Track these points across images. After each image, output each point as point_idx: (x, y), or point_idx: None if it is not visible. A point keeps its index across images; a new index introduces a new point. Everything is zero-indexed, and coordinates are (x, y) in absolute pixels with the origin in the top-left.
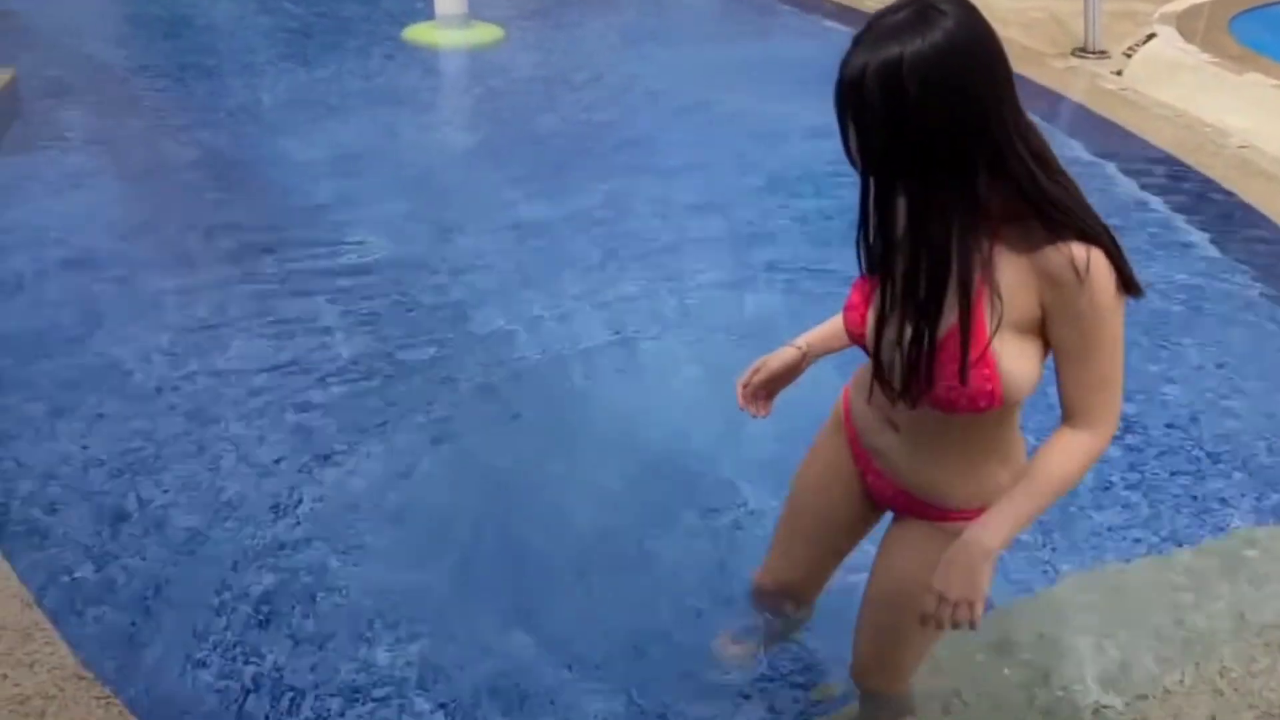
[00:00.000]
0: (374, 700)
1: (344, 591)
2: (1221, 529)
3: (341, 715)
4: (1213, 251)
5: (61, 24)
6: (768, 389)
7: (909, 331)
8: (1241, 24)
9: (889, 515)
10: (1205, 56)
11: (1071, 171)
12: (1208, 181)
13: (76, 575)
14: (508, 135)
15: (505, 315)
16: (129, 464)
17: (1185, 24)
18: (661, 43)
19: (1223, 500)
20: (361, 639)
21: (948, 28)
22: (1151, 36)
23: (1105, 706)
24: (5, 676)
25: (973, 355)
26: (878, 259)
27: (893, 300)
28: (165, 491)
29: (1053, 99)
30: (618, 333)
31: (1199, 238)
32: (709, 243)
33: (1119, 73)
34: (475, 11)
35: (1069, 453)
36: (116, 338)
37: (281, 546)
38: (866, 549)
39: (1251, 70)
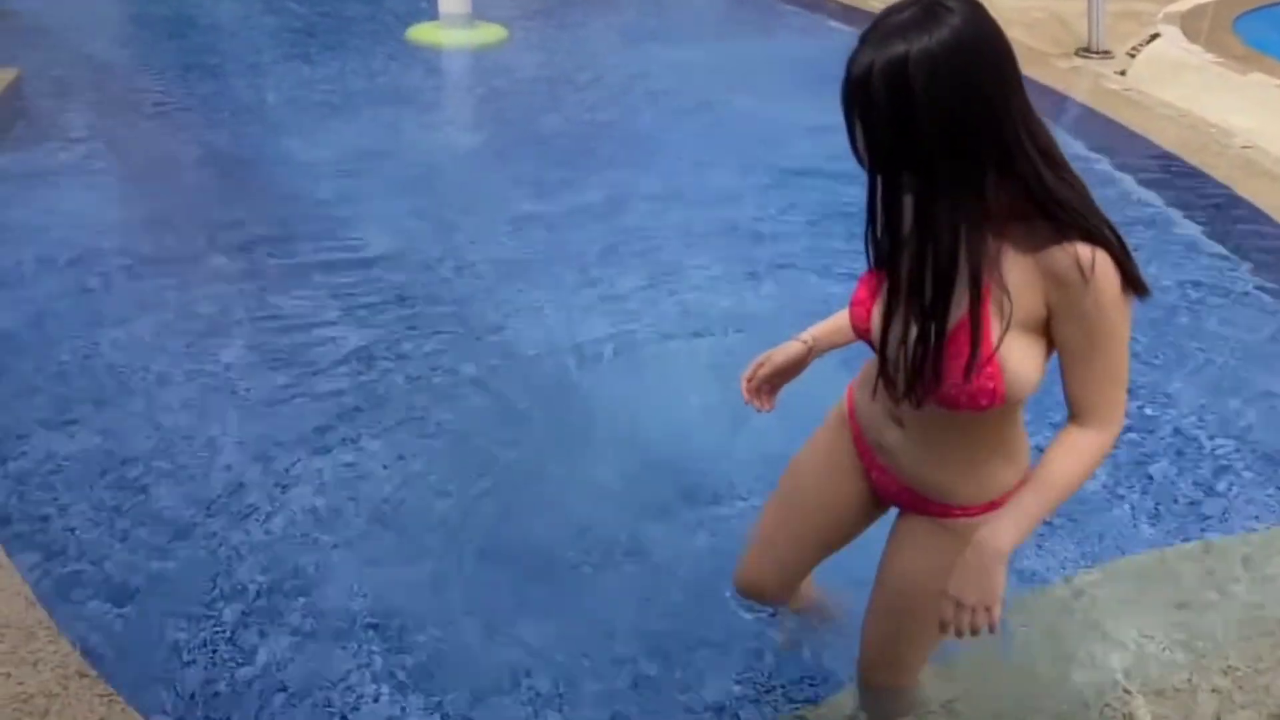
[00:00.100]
0: (376, 698)
1: (345, 588)
2: (1228, 527)
3: (343, 712)
4: (1216, 251)
5: (66, 23)
6: (772, 383)
7: (914, 330)
8: (1246, 24)
9: (890, 514)
10: (1209, 56)
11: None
12: (1211, 181)
13: (79, 573)
14: (511, 135)
15: (508, 313)
16: (131, 462)
17: (1189, 24)
18: (665, 42)
19: (1228, 499)
20: (363, 636)
21: (955, 25)
22: (1155, 36)
23: (1111, 703)
24: (9, 675)
25: (982, 355)
26: (885, 256)
27: (898, 298)
28: (168, 489)
29: (1056, 99)
30: (620, 330)
31: (1202, 237)
32: (712, 241)
33: (1123, 73)
34: (479, 11)
35: (1076, 452)
36: (119, 335)
37: (284, 544)
38: (867, 546)
39: (1255, 70)
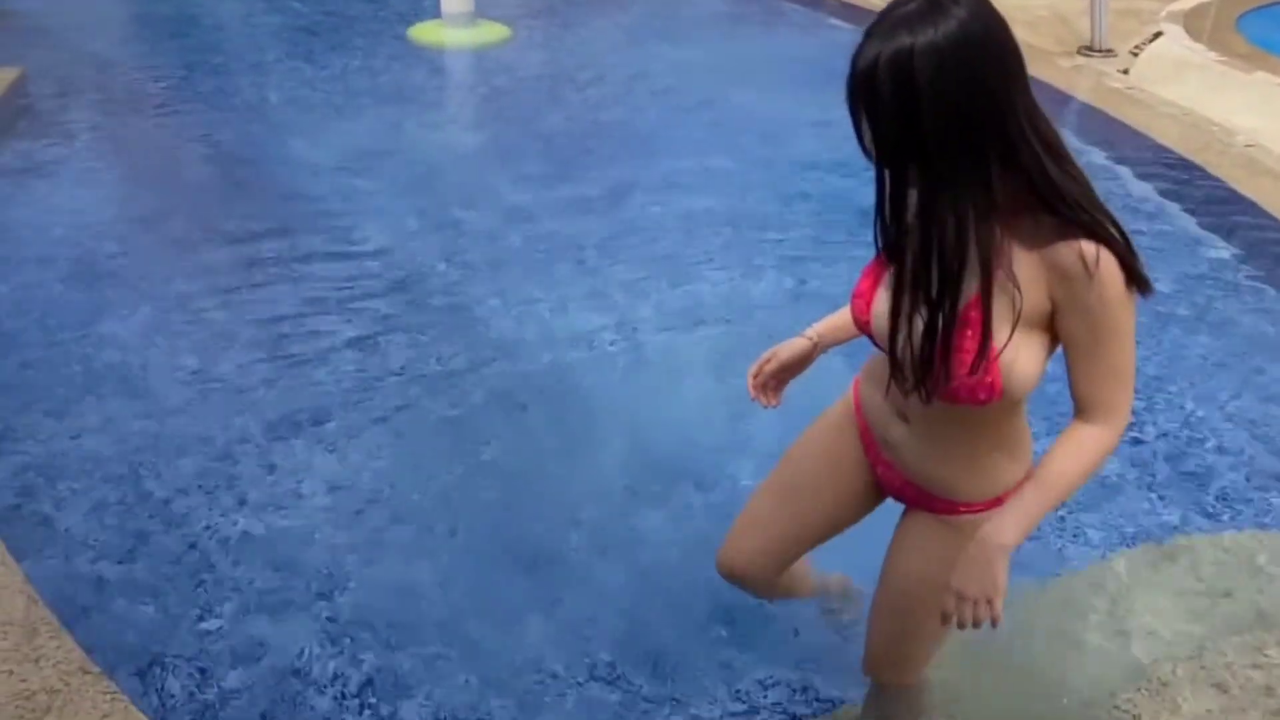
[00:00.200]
0: (378, 696)
1: (349, 587)
2: (1228, 526)
3: (344, 711)
4: (1219, 249)
5: (70, 23)
6: (778, 379)
7: (920, 323)
8: (1249, 22)
9: (892, 512)
10: (1212, 55)
11: None
12: (1214, 180)
13: (82, 571)
14: (514, 134)
15: (511, 311)
16: (134, 460)
17: (1192, 22)
18: (667, 40)
19: (1230, 497)
20: (368, 634)
21: (961, 18)
22: (1158, 35)
23: (1110, 699)
24: (11, 672)
25: (992, 350)
26: (893, 247)
27: (905, 291)
28: (171, 487)
29: (1059, 97)
30: (624, 328)
31: (1205, 236)
32: (714, 237)
33: (1125, 71)
34: (481, 10)
35: (1081, 447)
36: (121, 333)
37: (285, 541)
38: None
39: (1259, 69)
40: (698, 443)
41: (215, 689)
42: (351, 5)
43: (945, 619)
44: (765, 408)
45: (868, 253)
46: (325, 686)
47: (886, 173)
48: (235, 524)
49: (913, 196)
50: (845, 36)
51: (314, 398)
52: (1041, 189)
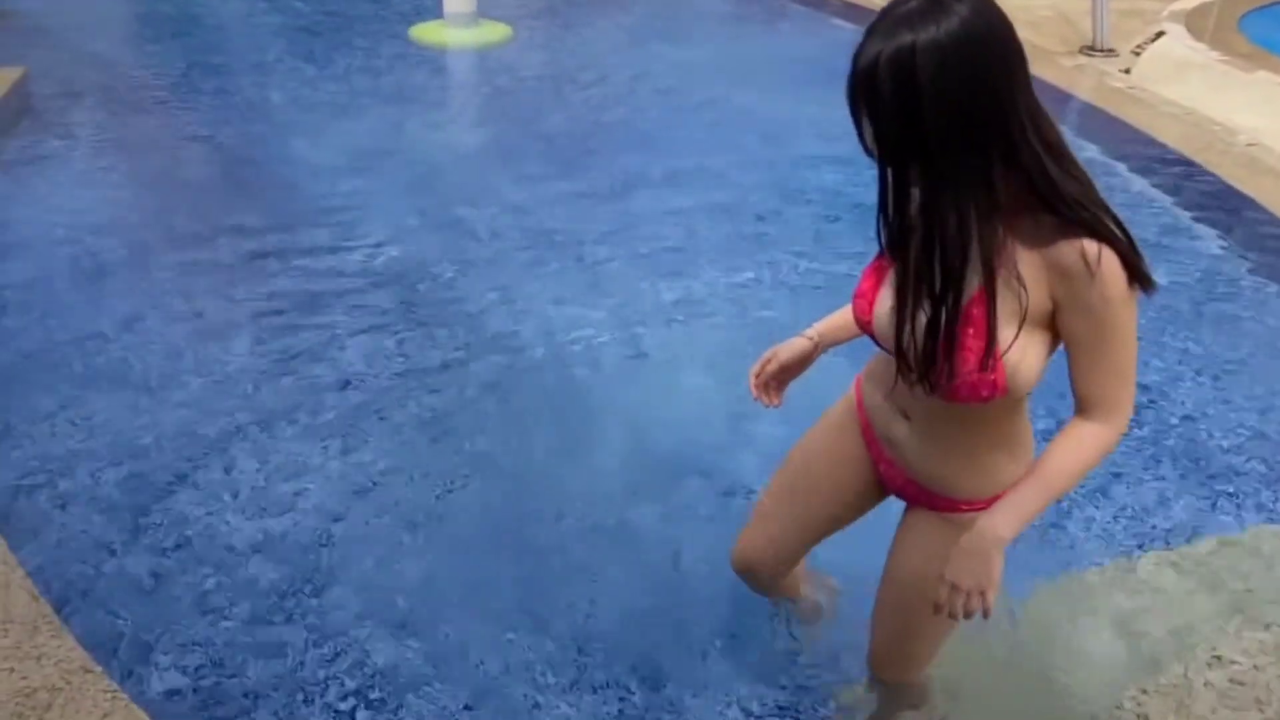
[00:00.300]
0: (380, 696)
1: (349, 584)
2: (1230, 525)
3: (346, 710)
4: (1220, 249)
5: (71, 22)
6: (779, 379)
7: (923, 319)
8: (1251, 22)
9: (894, 511)
10: (1214, 54)
11: None
12: (1216, 179)
13: (83, 569)
14: (515, 134)
15: (513, 311)
16: (136, 458)
17: (1194, 22)
18: (669, 41)
19: (1231, 496)
20: (368, 634)
21: (963, 16)
22: (1160, 34)
23: (1111, 699)
24: (12, 670)
25: (997, 347)
26: (895, 245)
27: (908, 288)
28: (173, 486)
29: (1061, 97)
30: (625, 326)
31: (1206, 235)
32: (716, 237)
33: (1127, 71)
34: (483, 10)
35: (1081, 443)
36: (123, 331)
37: (287, 541)
38: (872, 543)
39: (1260, 68)
40: (697, 441)
41: (215, 687)
42: (353, 5)
43: (937, 609)
44: (767, 407)
45: (869, 252)
46: (324, 686)
47: (888, 172)
48: (236, 521)
49: (915, 195)
50: (847, 36)
51: (315, 395)
52: (1042, 188)
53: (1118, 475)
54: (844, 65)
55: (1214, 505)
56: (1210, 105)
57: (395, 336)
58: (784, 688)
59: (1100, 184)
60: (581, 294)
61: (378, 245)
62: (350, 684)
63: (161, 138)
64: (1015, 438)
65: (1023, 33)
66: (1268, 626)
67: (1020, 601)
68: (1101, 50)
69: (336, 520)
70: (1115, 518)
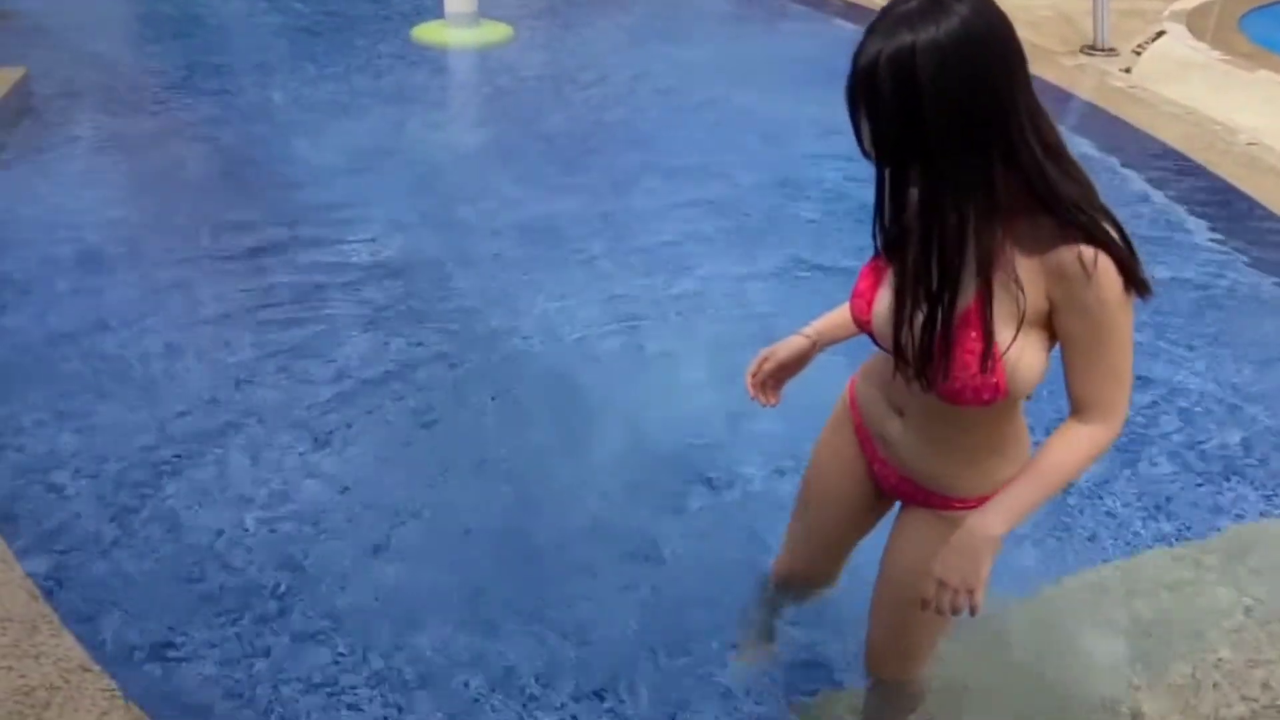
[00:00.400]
0: (380, 696)
1: (350, 587)
2: (1229, 524)
3: (346, 710)
4: (1221, 248)
5: (72, 23)
6: (777, 378)
7: (920, 319)
8: (1251, 21)
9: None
10: (1215, 54)
11: None
12: (1216, 178)
13: (82, 567)
14: (516, 134)
15: (513, 311)
16: (136, 458)
17: (1195, 21)
18: (670, 41)
19: (1231, 495)
20: (366, 633)
21: (963, 15)
22: (1161, 34)
23: (1110, 698)
24: (10, 668)
25: (996, 349)
26: (892, 246)
27: (906, 288)
28: (172, 485)
29: (1061, 96)
30: (626, 327)
31: (1207, 235)
32: (716, 236)
33: (1128, 70)
34: (484, 10)
35: (1074, 444)
36: (125, 333)
37: (286, 539)
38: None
39: (1261, 68)
40: (696, 439)
41: (214, 686)
42: (354, 5)
43: (924, 605)
44: (764, 406)
45: (868, 250)
46: (327, 685)
47: (886, 172)
48: (236, 520)
49: (913, 196)
50: (848, 36)
51: (316, 396)
52: (1040, 189)
53: (1118, 473)
54: (844, 65)
55: (1215, 503)
56: (1211, 105)
57: (395, 334)
58: (784, 688)
59: (1101, 183)
60: (581, 292)
61: (379, 245)
62: (351, 684)
63: (162, 138)
64: (1010, 436)
65: (1023, 33)
66: (1264, 624)
67: (1017, 600)
68: (1102, 50)
69: (338, 520)
70: (1115, 516)
